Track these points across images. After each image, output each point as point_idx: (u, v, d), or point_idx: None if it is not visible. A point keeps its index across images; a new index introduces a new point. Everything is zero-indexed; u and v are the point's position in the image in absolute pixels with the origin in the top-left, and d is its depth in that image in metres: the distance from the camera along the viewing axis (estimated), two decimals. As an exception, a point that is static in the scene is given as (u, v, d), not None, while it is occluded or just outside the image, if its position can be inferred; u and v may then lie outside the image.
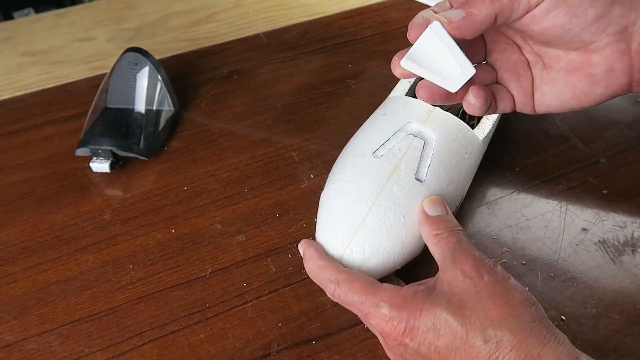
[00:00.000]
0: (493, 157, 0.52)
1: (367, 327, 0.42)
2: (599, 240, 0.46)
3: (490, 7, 0.34)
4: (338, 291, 0.37)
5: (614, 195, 0.49)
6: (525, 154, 0.53)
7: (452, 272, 0.35)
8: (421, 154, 0.42)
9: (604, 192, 0.50)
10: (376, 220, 0.39)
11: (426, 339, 0.34)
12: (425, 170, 0.41)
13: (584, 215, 0.48)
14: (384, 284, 0.37)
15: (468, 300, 0.34)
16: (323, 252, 0.39)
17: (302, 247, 0.40)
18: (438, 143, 0.42)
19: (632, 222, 0.47)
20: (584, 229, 0.47)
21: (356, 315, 0.42)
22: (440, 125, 0.43)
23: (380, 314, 0.35)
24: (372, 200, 0.39)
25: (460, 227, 0.39)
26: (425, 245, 0.41)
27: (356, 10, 0.71)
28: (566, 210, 0.48)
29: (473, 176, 0.47)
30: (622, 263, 0.45)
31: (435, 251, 0.38)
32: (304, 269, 0.45)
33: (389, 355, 0.38)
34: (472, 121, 0.50)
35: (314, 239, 0.42)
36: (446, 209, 0.40)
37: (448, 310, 0.34)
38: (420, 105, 0.44)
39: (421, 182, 0.40)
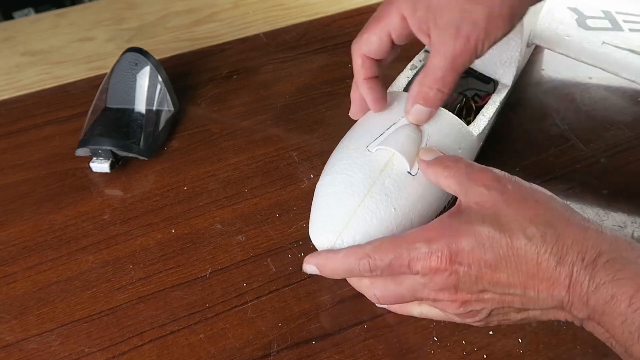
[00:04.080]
0: (493, 157, 0.52)
1: (367, 327, 0.42)
2: (599, 240, 0.46)
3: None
4: (373, 262, 0.35)
5: (614, 195, 0.49)
6: (525, 154, 0.53)
7: (475, 191, 0.35)
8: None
9: (604, 192, 0.50)
10: (367, 212, 0.39)
11: (474, 257, 0.33)
12: (417, 164, 0.41)
13: (584, 215, 0.48)
14: (408, 231, 0.36)
15: (501, 209, 0.34)
16: (332, 250, 0.39)
17: (311, 263, 0.39)
18: (431, 137, 0.42)
19: (632, 222, 0.47)
20: (584, 229, 0.47)
21: (356, 315, 0.42)
22: (434, 121, 0.43)
23: (421, 254, 0.34)
24: (364, 192, 0.40)
25: (462, 157, 0.39)
26: None
27: (356, 10, 0.71)
28: (566, 210, 0.48)
29: None
30: (622, 263, 0.45)
31: (450, 183, 0.37)
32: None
33: (451, 308, 0.36)
34: (468, 117, 0.50)
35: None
36: (442, 152, 0.40)
37: (485, 224, 0.33)
38: None
39: (413, 175, 0.41)
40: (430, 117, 0.42)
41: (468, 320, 0.37)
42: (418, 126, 0.43)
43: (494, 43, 0.39)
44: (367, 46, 0.42)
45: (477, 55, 0.39)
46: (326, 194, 0.41)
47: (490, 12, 0.38)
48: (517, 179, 0.36)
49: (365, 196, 0.40)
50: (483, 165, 0.37)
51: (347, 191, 0.40)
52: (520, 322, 0.36)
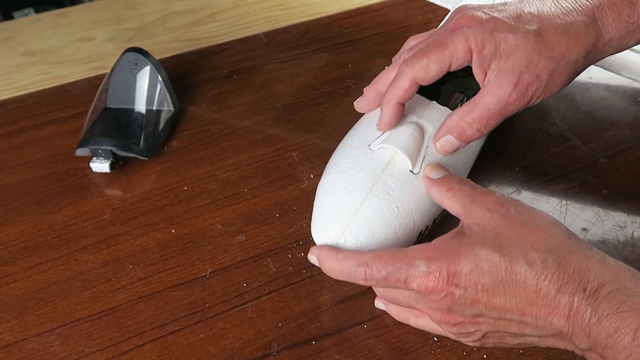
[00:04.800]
0: (493, 157, 0.52)
1: (367, 327, 0.42)
2: (598, 240, 0.46)
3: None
4: (370, 272, 0.35)
5: (614, 195, 0.49)
6: (525, 154, 0.53)
7: (478, 213, 0.35)
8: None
9: (604, 192, 0.50)
10: (370, 210, 0.39)
11: (471, 280, 0.33)
12: (420, 163, 0.41)
13: (584, 215, 0.48)
14: (411, 246, 0.36)
15: (502, 233, 0.34)
16: (336, 248, 0.39)
17: (314, 254, 0.39)
18: (432, 137, 0.42)
19: (632, 222, 0.47)
20: (584, 229, 0.47)
21: (356, 315, 0.42)
22: (436, 119, 0.43)
23: (419, 272, 0.34)
24: (366, 191, 0.40)
25: (468, 180, 0.39)
26: (417, 238, 0.41)
27: (356, 10, 0.71)
28: (566, 210, 0.48)
29: (469, 170, 0.47)
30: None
31: (453, 204, 0.37)
32: (304, 268, 0.45)
33: (444, 327, 0.36)
34: None
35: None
36: (448, 170, 0.40)
37: (486, 247, 0.33)
38: (417, 100, 0.45)
39: (415, 174, 0.41)
40: (456, 150, 0.42)
41: (462, 340, 0.37)
42: (420, 125, 0.43)
43: (547, 97, 0.40)
44: (424, 73, 0.40)
45: (528, 106, 0.39)
46: (328, 192, 0.41)
47: (555, 68, 0.38)
48: (521, 202, 0.36)
49: (367, 195, 0.40)
50: (487, 189, 0.37)
51: (350, 190, 0.40)
52: (517, 347, 0.36)
